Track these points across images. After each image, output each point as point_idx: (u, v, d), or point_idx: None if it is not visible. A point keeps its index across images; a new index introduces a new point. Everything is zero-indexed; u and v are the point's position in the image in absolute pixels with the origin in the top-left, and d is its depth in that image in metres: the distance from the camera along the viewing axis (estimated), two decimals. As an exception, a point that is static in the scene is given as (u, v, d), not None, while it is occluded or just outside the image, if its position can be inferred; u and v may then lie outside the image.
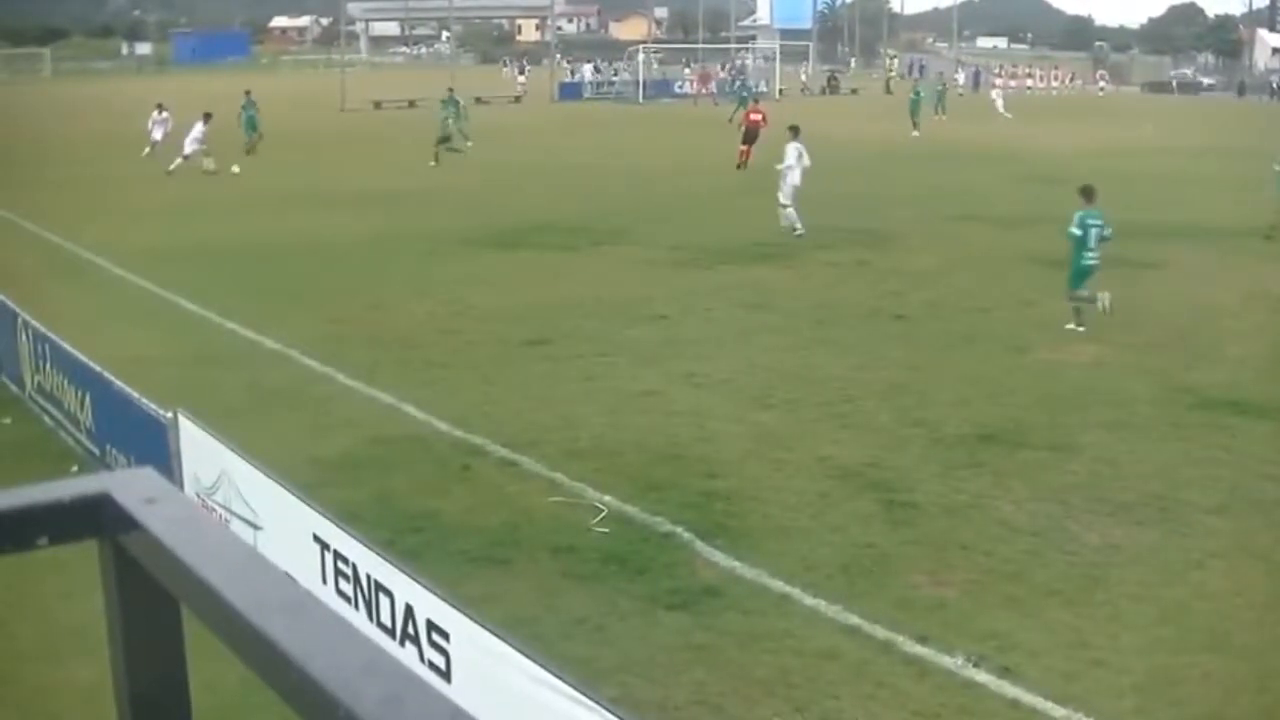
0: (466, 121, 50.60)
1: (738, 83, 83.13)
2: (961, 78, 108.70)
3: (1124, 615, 10.71)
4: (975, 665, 9.63)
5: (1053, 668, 9.67)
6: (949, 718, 9.03)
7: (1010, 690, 9.31)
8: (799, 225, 30.06)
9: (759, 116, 45.87)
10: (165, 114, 46.55)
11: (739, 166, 44.52)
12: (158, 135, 45.88)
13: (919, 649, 9.89)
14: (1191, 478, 14.13)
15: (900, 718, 9.03)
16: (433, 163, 45.32)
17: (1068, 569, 11.62)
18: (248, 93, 50.26)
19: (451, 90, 51.90)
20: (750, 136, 45.02)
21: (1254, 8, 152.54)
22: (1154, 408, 16.91)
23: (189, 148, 41.88)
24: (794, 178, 30.79)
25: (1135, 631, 10.41)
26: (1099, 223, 21.44)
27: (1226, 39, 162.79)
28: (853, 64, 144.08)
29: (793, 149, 31.05)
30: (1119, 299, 21.04)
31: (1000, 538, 12.32)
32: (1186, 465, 14.58)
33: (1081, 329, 20.98)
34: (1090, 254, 21.41)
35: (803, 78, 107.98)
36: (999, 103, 74.23)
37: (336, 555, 8.70)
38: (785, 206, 30.63)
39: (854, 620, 10.32)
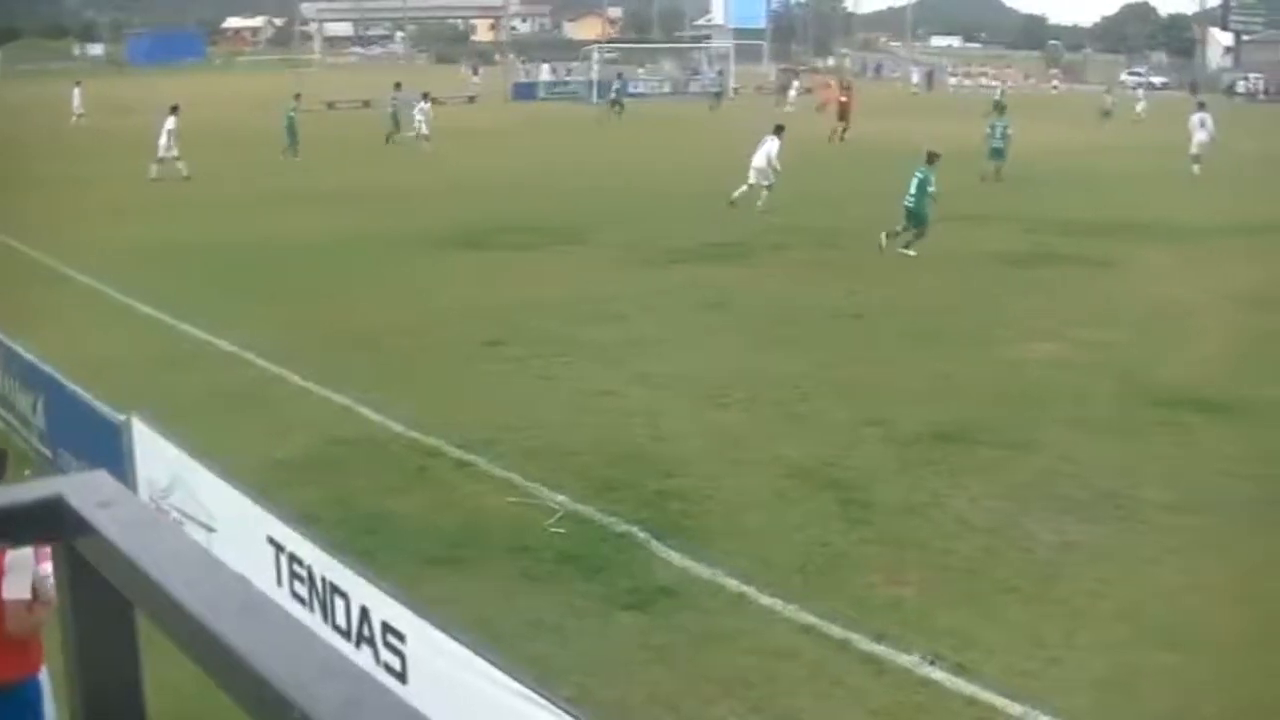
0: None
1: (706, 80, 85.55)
2: (915, 76, 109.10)
3: (1081, 612, 10.75)
4: (932, 663, 9.64)
5: (1010, 665, 9.70)
6: (906, 716, 9.05)
7: (967, 688, 9.33)
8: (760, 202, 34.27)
9: (846, 99, 59.38)
10: (426, 104, 51.79)
11: (841, 139, 56.16)
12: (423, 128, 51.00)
13: (876, 647, 9.91)
14: (1149, 475, 14.20)
15: (857, 716, 9.04)
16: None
17: (1025, 566, 11.67)
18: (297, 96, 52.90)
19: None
20: (843, 114, 58.22)
21: (1206, 6, 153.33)
22: (1113, 405, 17.00)
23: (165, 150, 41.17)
24: (758, 160, 34.89)
25: (1092, 629, 10.45)
26: (921, 175, 28.07)
27: (1179, 37, 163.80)
28: (825, 63, 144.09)
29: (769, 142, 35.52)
30: (1077, 296, 21.26)
31: (957, 536, 12.36)
32: (1145, 462, 14.65)
33: (898, 244, 27.84)
34: (908, 197, 27.94)
35: (770, 77, 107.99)
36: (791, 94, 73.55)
37: (291, 558, 8.67)
38: (753, 185, 34.76)
39: (811, 619, 10.33)
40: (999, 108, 43.30)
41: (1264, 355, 19.81)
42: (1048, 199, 36.99)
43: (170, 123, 41.16)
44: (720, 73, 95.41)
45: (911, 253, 27.29)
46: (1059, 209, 34.69)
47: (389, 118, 54.35)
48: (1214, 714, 9.23)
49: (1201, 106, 45.79)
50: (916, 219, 27.78)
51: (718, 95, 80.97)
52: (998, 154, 41.12)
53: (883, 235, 27.89)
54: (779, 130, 36.08)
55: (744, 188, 34.77)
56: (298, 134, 48.16)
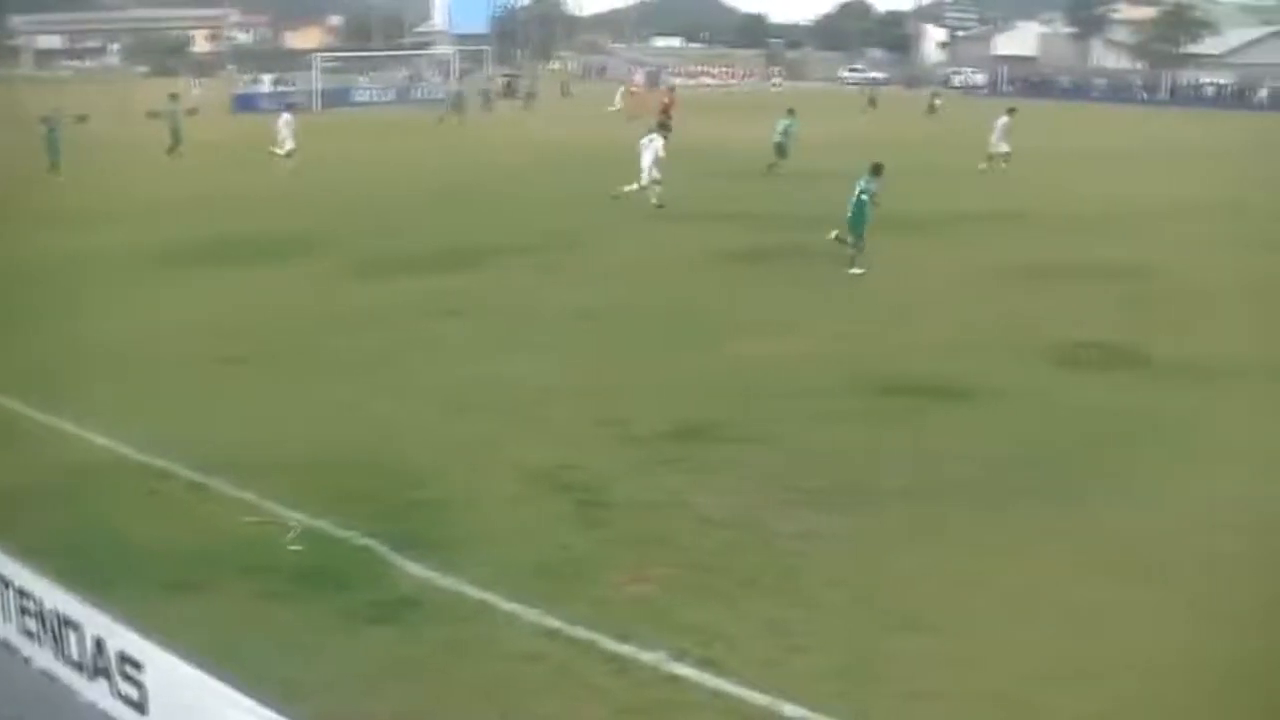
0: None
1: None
2: (639, 77, 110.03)
3: (822, 601, 10.95)
4: (677, 659, 9.73)
5: (754, 657, 9.84)
6: (654, 713, 9.11)
7: (713, 682, 9.44)
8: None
9: (668, 100, 60.11)
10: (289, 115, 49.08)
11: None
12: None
13: (620, 647, 9.96)
14: (883, 462, 14.55)
15: (605, 716, 9.08)
16: None
17: (766, 559, 11.84)
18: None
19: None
20: (664, 116, 55.09)
21: (921, 3, 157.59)
22: (845, 395, 17.36)
23: None
24: (646, 159, 35.67)
25: (833, 616, 10.66)
26: (862, 186, 26.39)
27: (896, 34, 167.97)
28: (548, 66, 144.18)
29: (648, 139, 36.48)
30: (814, 290, 21.80)
31: (697, 532, 12.49)
32: (878, 450, 15.01)
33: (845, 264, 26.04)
34: (850, 207, 26.30)
35: (487, 84, 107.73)
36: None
37: (20, 592, 8.41)
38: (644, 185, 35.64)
39: (554, 623, 10.35)
40: (790, 111, 45.73)
41: (991, 341, 20.45)
42: (805, 195, 37.64)
43: None
44: (474, 78, 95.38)
45: (858, 270, 25.88)
46: (813, 204, 35.32)
47: (170, 130, 52.89)
48: (955, 693, 9.46)
49: (1010, 112, 47.40)
50: (855, 228, 26.31)
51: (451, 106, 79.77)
52: (780, 150, 44.06)
53: (833, 233, 26.91)
54: (663, 129, 38.13)
55: (634, 185, 35.54)
56: (60, 150, 46.11)
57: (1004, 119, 46.80)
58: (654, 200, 35.03)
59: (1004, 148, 46.06)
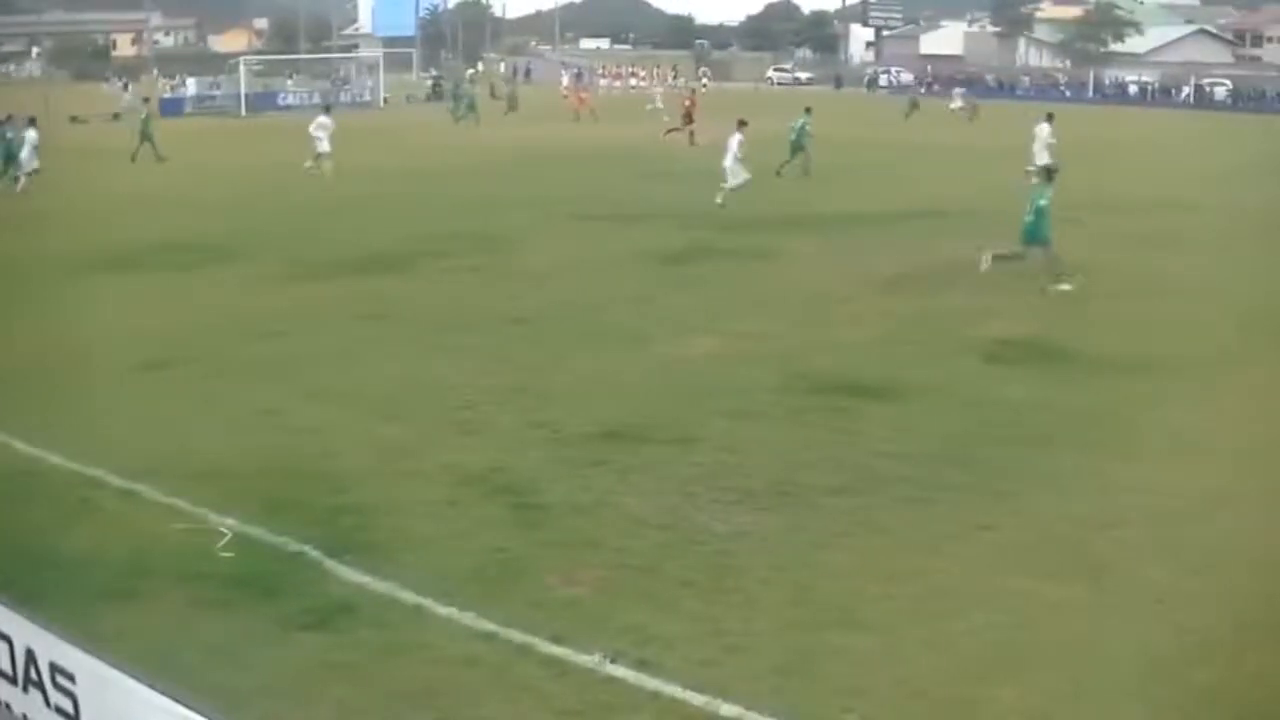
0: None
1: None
2: (566, 79, 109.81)
3: (756, 600, 10.98)
4: (613, 661, 9.73)
5: (690, 657, 9.84)
6: (593, 715, 9.11)
7: (650, 683, 9.44)
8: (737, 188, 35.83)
9: (690, 104, 60.94)
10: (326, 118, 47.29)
11: (690, 143, 55.44)
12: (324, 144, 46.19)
13: (556, 649, 9.95)
14: (812, 460, 14.60)
15: (544, 719, 9.07)
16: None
17: (698, 559, 11.85)
18: None
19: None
20: (688, 118, 58.53)
21: (847, 4, 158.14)
22: (772, 395, 17.41)
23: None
24: (729, 159, 36.45)
25: (768, 615, 10.68)
26: (1038, 194, 24.82)
27: (823, 34, 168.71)
28: (475, 69, 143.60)
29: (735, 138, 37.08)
30: (736, 290, 21.78)
31: (630, 533, 12.49)
32: (807, 449, 15.05)
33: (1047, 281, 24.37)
34: (1026, 215, 24.68)
35: (419, 87, 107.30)
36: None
37: (-52, 604, 8.31)
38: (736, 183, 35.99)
39: (490, 626, 10.32)
40: (806, 109, 45.56)
41: (911, 338, 20.60)
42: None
43: (32, 135, 42.66)
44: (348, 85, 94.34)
45: (1067, 286, 24.31)
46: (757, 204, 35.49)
47: (138, 133, 52.75)
48: (890, 688, 9.51)
49: (1049, 118, 43.53)
50: (1033, 238, 24.62)
51: (466, 106, 77.30)
52: (798, 150, 43.94)
53: (987, 255, 25.35)
54: (741, 125, 37.36)
55: (724, 189, 35.63)
56: (17, 157, 45.29)
57: (1044, 126, 42.73)
58: (739, 190, 35.44)
59: (1045, 159, 38.61)
